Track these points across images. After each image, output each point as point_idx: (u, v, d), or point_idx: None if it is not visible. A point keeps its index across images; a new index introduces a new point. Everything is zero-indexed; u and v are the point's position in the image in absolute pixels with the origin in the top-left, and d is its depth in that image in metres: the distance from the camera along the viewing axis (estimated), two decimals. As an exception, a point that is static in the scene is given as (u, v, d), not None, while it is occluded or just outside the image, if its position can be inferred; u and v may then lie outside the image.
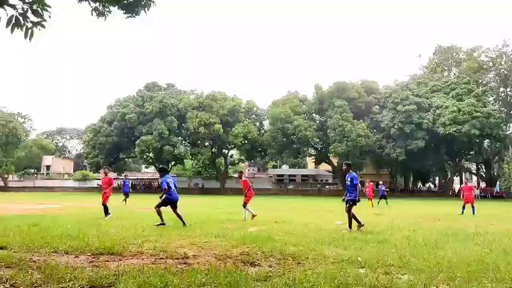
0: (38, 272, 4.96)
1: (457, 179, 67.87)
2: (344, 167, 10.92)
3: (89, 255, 6.41)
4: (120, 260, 6.08)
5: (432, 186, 72.29)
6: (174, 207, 11.10)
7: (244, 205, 13.42)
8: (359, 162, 52.19)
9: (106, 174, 14.97)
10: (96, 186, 64.26)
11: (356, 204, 10.30)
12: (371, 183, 27.10)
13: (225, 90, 63.52)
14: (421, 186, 68.56)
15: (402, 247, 7.38)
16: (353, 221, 10.24)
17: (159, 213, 10.88)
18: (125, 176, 29.94)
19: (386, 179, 59.77)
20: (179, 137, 60.16)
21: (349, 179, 10.48)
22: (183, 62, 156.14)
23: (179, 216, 10.97)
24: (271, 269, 5.46)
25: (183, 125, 58.18)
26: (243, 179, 14.15)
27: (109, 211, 13.59)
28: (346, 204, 10.39)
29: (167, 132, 55.26)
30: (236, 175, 74.84)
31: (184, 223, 10.77)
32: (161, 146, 54.93)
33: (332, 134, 50.32)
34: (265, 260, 6.14)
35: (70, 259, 6.07)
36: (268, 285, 4.35)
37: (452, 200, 38.53)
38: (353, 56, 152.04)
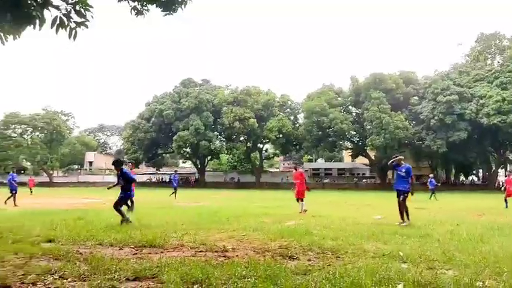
0: (85, 264, 5.17)
1: (501, 172, 64.95)
2: (396, 159, 10.96)
3: (132, 248, 6.62)
4: (162, 252, 6.25)
5: (475, 179, 69.54)
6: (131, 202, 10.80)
7: (302, 198, 13.60)
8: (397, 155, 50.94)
9: (131, 169, 14.63)
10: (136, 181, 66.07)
11: (407, 195, 10.37)
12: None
13: (259, 84, 63.68)
14: (464, 179, 66.11)
15: (446, 242, 7.17)
16: (404, 213, 10.29)
17: (120, 212, 9.83)
18: (174, 171, 31.03)
19: (426, 172, 57.96)
20: (215, 132, 60.83)
21: (403, 171, 10.56)
22: (218, 58, 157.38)
23: (120, 211, 9.84)
24: (310, 262, 5.45)
25: (218, 120, 58.78)
26: (299, 171, 14.14)
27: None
28: (399, 196, 10.41)
29: (203, 128, 56.00)
30: (271, 170, 75.26)
31: (123, 220, 9.56)
32: (197, 141, 55.75)
33: (369, 127, 49.34)
34: (303, 253, 6.13)
35: (114, 251, 6.30)
36: (308, 279, 4.33)
37: (497, 194, 36.85)
38: (390, 47, 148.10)
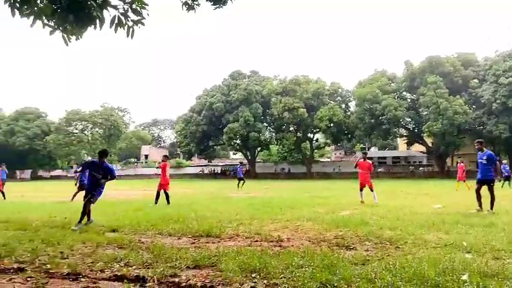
0: (147, 252, 5.41)
1: None
2: (477, 146, 10.61)
3: (190, 237, 6.84)
4: (218, 242, 6.39)
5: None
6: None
7: (371, 188, 13.40)
8: (456, 141, 48.68)
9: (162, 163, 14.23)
10: (188, 173, 68.15)
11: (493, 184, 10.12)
12: (462, 164, 24.25)
13: (308, 73, 62.90)
14: (530, 165, 61.81)
15: (512, 231, 6.77)
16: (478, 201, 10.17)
17: (86, 211, 8.40)
18: (240, 162, 31.84)
19: (487, 158, 54.97)
20: (264, 123, 61.01)
21: (485, 158, 10.18)
22: (266, 48, 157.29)
23: (86, 211, 8.40)
24: (368, 253, 5.35)
25: (267, 111, 58.84)
26: (367, 160, 13.94)
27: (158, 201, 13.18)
28: (483, 184, 10.16)
29: (253, 119, 56.34)
30: (322, 160, 74.42)
31: (87, 221, 8.41)
32: (247, 132, 56.21)
33: (426, 113, 47.26)
34: (360, 244, 6.03)
35: (173, 240, 6.53)
36: (367, 269, 4.25)
37: None
38: (446, 28, 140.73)
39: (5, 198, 17.66)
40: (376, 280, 3.84)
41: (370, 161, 14.22)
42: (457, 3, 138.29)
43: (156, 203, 13.08)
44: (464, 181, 22.02)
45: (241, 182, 25.20)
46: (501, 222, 7.81)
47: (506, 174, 23.35)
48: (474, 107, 48.40)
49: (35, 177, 72.08)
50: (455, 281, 3.77)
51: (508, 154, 59.90)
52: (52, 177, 72.09)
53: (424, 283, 3.75)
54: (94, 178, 8.68)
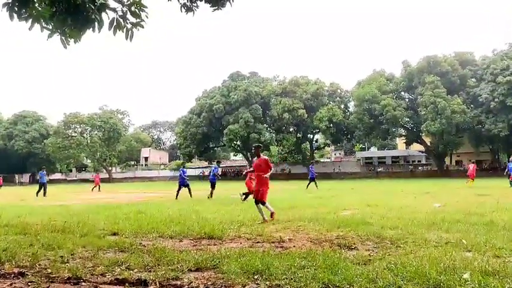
0: (149, 255, 5.39)
1: None
2: None
3: (191, 240, 6.82)
4: (220, 243, 6.38)
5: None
6: None
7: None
8: (455, 140, 48.77)
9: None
10: (189, 175, 67.97)
11: None
12: (473, 163, 24.60)
13: (307, 74, 62.88)
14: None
15: (513, 229, 6.77)
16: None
17: None
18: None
19: (486, 157, 55.01)
20: (264, 124, 61.05)
21: None
22: (265, 50, 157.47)
23: None
24: (369, 252, 5.35)
25: (267, 112, 58.90)
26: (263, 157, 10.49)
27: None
28: None
29: (253, 120, 56.37)
30: (323, 160, 74.41)
31: None
32: (247, 133, 56.24)
33: (424, 112, 47.38)
34: (362, 243, 6.03)
35: (175, 243, 6.51)
36: (369, 269, 4.25)
37: None
38: (443, 28, 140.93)
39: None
40: (378, 280, 3.84)
41: (266, 157, 10.31)
42: (454, 2, 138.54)
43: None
44: (473, 179, 22.45)
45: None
46: (501, 221, 7.81)
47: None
48: (472, 106, 48.51)
49: (34, 181, 72.01)
50: (457, 280, 3.77)
51: (507, 152, 60.03)
52: (51, 181, 71.96)
53: (426, 282, 3.75)
54: None
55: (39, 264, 5.05)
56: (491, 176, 42.79)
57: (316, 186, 24.48)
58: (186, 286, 4.03)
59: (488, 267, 4.18)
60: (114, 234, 7.50)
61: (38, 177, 26.63)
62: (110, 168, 74.87)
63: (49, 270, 4.74)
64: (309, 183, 25.11)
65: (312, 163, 31.33)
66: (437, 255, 4.84)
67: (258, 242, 6.40)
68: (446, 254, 4.96)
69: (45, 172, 25.82)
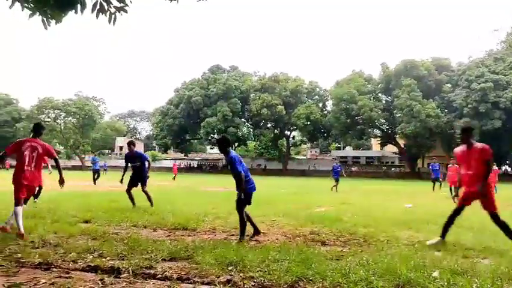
0: (122, 244, 5.33)
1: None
2: None
3: (166, 230, 6.79)
4: (194, 235, 6.37)
5: (509, 169, 67.25)
6: None
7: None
8: (428, 143, 49.92)
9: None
10: (164, 166, 67.47)
11: None
12: (455, 165, 23.76)
13: (287, 70, 63.18)
14: (496, 168, 63.86)
15: (480, 231, 7.01)
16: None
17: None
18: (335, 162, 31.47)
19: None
20: (243, 119, 61.03)
21: None
22: (246, 44, 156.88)
23: None
24: (342, 248, 5.45)
25: (246, 106, 58.91)
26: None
27: None
28: None
29: (231, 114, 56.26)
30: (298, 157, 74.97)
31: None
32: (225, 127, 56.09)
33: (399, 115, 48.30)
34: (335, 240, 6.14)
35: (149, 233, 6.47)
36: (341, 265, 4.33)
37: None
38: (422, 33, 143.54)
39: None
40: (350, 275, 3.91)
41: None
42: (435, 7, 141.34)
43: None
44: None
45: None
46: (469, 223, 8.04)
47: None
48: (446, 110, 49.68)
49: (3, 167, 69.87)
50: (426, 277, 3.88)
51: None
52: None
53: (396, 278, 3.84)
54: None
55: (9, 249, 4.93)
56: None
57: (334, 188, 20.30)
58: (160, 275, 4.01)
59: (456, 267, 4.30)
60: (86, 221, 7.40)
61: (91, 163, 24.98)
62: (83, 156, 73.38)
63: (19, 255, 4.64)
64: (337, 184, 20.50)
65: (335, 159, 28.55)
66: (408, 254, 4.96)
67: (232, 235, 6.43)
68: (416, 252, 5.10)
69: (98, 158, 24.21)
